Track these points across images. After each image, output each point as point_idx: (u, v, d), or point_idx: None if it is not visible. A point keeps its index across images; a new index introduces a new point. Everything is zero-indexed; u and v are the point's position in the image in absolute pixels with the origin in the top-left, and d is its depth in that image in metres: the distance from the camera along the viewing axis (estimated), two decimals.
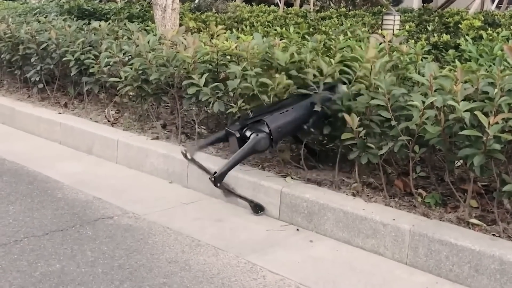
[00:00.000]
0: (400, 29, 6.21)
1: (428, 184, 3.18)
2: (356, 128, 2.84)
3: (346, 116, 2.85)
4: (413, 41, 5.73)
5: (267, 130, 3.19)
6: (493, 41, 4.54)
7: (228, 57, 4.01)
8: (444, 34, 5.50)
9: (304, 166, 3.46)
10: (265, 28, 7.34)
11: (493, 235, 2.60)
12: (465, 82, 2.77)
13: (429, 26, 6.31)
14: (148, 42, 4.34)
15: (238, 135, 3.27)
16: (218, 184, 3.18)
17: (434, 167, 3.26)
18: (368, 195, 3.09)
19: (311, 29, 6.30)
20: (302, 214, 3.07)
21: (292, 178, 3.34)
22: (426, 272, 2.60)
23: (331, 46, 4.17)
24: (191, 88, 3.74)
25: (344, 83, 3.27)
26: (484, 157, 2.49)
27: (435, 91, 2.69)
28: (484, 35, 4.64)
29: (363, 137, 2.91)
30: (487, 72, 2.97)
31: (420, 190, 3.02)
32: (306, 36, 5.02)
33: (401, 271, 2.63)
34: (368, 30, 6.33)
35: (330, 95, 3.22)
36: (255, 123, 3.28)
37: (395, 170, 3.24)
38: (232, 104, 3.63)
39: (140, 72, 4.26)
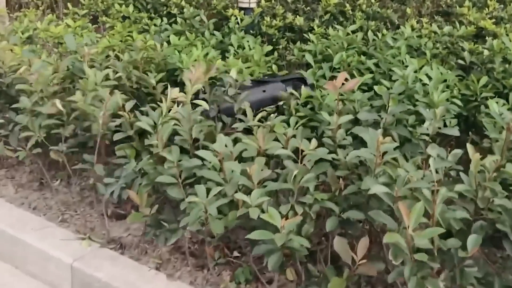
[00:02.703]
0: (258, 3, 5.61)
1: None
2: (145, 206, 2.34)
3: (132, 193, 2.33)
4: (267, 19, 5.22)
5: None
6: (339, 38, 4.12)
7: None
8: (298, 16, 4.99)
9: (106, 219, 2.93)
10: None
11: None
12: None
13: None
14: None
15: None
16: None
17: None
18: (174, 266, 2.66)
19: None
20: None
21: (91, 240, 2.82)
22: None
23: (152, 56, 3.58)
24: None
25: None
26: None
27: None
28: (330, 32, 4.18)
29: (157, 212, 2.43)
30: None
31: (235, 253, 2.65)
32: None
33: None
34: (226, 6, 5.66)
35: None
36: None
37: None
38: (21, 147, 3.00)
39: None
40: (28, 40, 4.64)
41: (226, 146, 2.31)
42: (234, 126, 2.70)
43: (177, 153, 2.28)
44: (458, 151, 2.19)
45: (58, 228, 2.94)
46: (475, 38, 4.63)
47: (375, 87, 3.07)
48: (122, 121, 2.61)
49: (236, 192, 2.16)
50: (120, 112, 2.55)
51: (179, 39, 4.35)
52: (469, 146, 2.05)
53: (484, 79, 3.39)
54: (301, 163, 2.20)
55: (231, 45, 4.28)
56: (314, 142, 2.26)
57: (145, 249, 2.78)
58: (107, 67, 3.41)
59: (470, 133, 3.37)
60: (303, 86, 3.31)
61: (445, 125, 3.09)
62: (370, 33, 4.14)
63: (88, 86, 2.84)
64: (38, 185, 3.35)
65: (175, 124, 2.48)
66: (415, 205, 1.80)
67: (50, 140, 3.00)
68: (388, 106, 2.70)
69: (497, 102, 3.01)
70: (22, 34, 4.52)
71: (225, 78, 2.96)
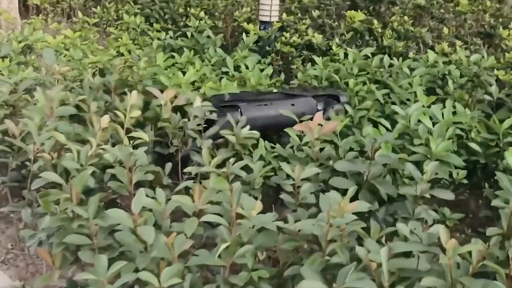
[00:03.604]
0: (280, 17, 5.17)
1: None
2: (58, 268, 1.97)
3: (41, 252, 1.96)
4: (287, 35, 4.79)
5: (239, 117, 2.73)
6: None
7: None
8: (316, 34, 4.53)
9: (45, 266, 2.55)
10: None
11: None
12: None
13: (314, 11, 5.28)
14: None
15: None
16: None
17: None
18: None
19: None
20: None
21: None
22: None
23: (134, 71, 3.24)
24: None
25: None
26: None
27: None
28: (341, 54, 3.69)
29: None
30: None
31: None
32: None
33: None
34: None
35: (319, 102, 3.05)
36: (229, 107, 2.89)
37: None
38: None
39: None
40: (28, 50, 4.41)
41: (160, 203, 1.91)
42: (186, 170, 2.30)
43: (94, 208, 1.89)
44: (435, 229, 1.69)
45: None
46: None
47: (369, 129, 2.59)
48: (41, 163, 2.24)
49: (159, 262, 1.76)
50: (40, 154, 2.18)
51: (180, 56, 4.02)
52: (441, 231, 1.55)
53: (509, 121, 2.84)
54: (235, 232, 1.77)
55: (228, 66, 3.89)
56: (258, 204, 1.82)
57: None
58: (79, 89, 3.10)
59: (487, 184, 2.83)
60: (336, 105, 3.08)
61: (451, 175, 2.59)
62: (386, 58, 3.63)
63: (35, 116, 2.50)
64: None
65: (108, 167, 2.11)
66: None
67: None
68: (373, 156, 2.22)
69: None
70: (19, 43, 4.30)
71: (189, 109, 2.56)
